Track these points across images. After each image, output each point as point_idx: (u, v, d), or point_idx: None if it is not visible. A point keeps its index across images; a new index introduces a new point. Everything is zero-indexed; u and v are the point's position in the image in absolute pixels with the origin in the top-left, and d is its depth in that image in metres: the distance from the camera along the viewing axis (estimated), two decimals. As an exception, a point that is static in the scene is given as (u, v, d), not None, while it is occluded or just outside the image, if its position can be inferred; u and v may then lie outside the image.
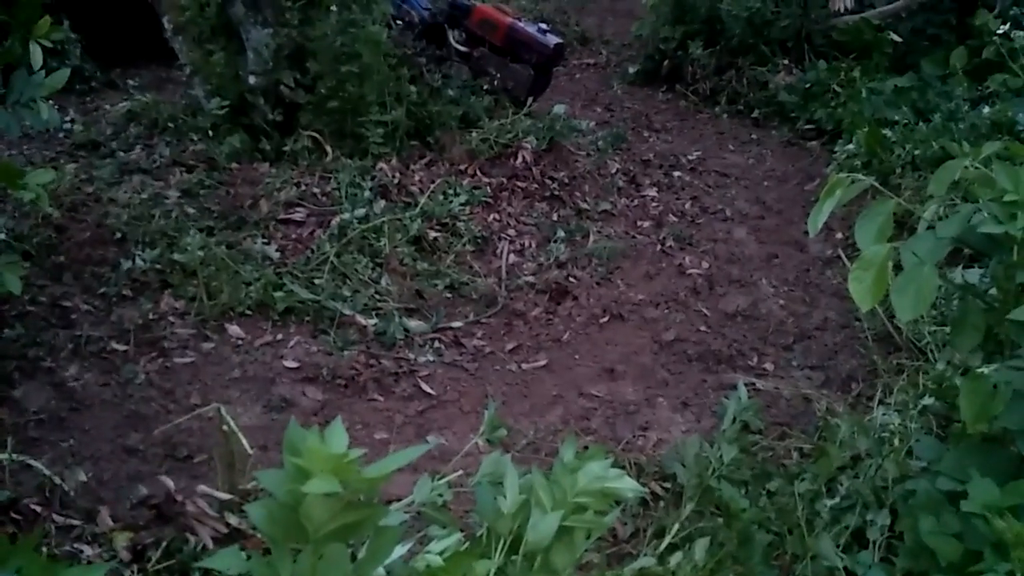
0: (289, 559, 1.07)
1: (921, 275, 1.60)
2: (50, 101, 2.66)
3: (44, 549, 2.10)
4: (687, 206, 4.65)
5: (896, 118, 4.89)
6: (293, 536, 1.04)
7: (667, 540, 2.18)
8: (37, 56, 2.49)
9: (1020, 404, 1.54)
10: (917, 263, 1.61)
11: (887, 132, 4.70)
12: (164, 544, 2.18)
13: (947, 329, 3.12)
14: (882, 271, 1.62)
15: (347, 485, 1.02)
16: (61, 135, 4.48)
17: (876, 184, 1.72)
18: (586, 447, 1.50)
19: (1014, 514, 1.42)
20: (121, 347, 3.14)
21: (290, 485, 1.01)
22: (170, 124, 4.42)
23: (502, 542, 1.43)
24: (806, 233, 4.36)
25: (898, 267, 1.71)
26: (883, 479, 2.31)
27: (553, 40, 4.84)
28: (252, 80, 4.26)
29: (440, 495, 1.85)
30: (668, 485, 2.52)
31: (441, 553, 1.37)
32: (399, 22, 4.85)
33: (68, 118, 4.57)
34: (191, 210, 3.80)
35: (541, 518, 1.39)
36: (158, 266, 3.47)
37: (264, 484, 1.04)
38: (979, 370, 1.62)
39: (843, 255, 3.96)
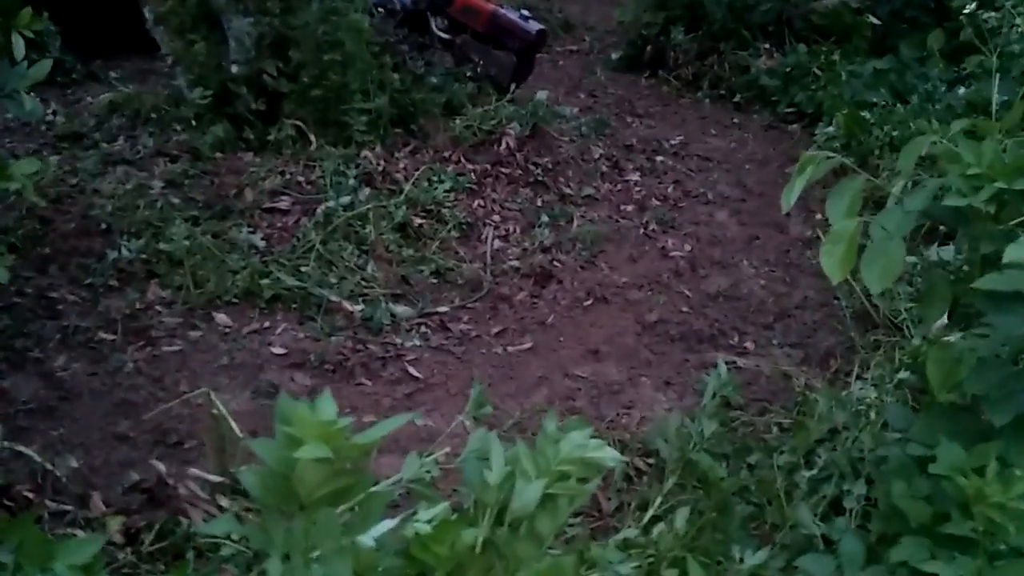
0: (281, 524, 1.11)
1: (889, 248, 1.65)
2: (31, 93, 2.68)
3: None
4: (670, 190, 4.70)
5: (875, 100, 4.97)
6: (285, 501, 1.08)
7: (650, 512, 2.24)
8: (20, 47, 2.50)
9: (983, 370, 1.60)
10: (885, 236, 1.66)
11: (866, 114, 4.77)
12: (157, 527, 2.21)
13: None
14: (851, 245, 1.67)
15: (337, 452, 1.06)
16: (43, 127, 4.47)
17: (847, 161, 1.78)
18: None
19: (979, 475, 1.48)
20: (109, 337, 3.17)
21: (282, 452, 1.06)
22: (153, 115, 4.42)
23: (488, 512, 1.48)
24: (787, 215, 4.46)
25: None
26: (859, 450, 2.37)
27: (535, 27, 4.87)
28: (234, 69, 4.26)
29: (428, 472, 1.90)
30: (651, 461, 2.58)
31: (429, 521, 1.41)
32: (380, 10, 4.86)
33: (50, 110, 4.56)
34: (176, 200, 3.81)
35: (525, 486, 1.44)
36: (144, 256, 3.49)
37: (256, 452, 1.08)
38: (945, 339, 1.68)
39: (823, 236, 4.01)
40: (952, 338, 1.69)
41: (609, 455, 1.52)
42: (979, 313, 1.75)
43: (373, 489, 1.17)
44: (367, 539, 1.32)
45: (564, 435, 1.47)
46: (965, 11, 2.07)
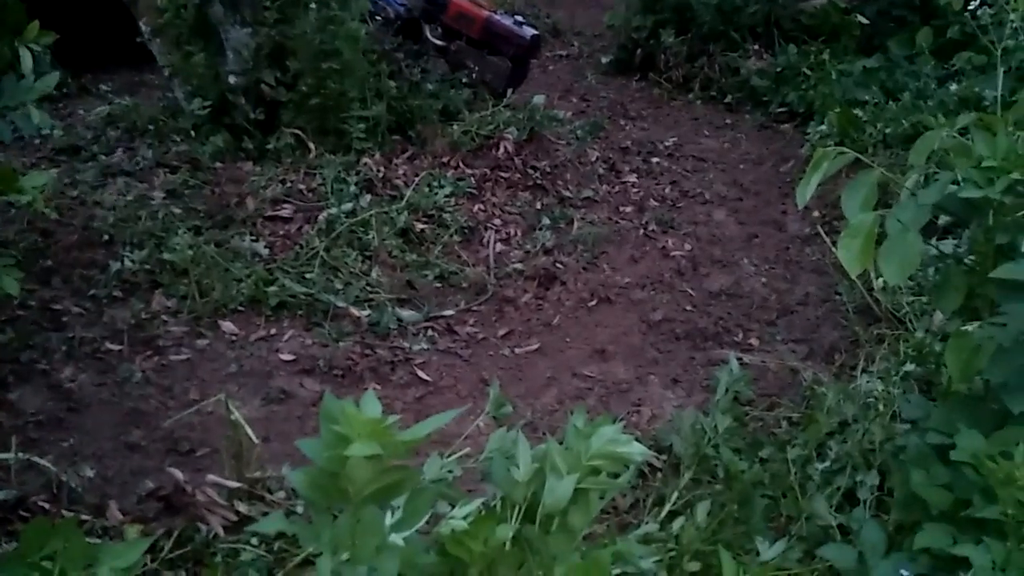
0: (329, 521, 1.13)
1: (906, 240, 1.68)
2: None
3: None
4: (667, 191, 4.73)
5: (866, 98, 5.02)
6: (334, 499, 1.10)
7: (667, 508, 2.26)
8: (27, 61, 2.50)
9: (1002, 359, 1.63)
10: (902, 229, 1.69)
11: (858, 112, 4.82)
12: (175, 534, 2.21)
13: (924, 299, 3.23)
14: (869, 238, 1.70)
15: (385, 448, 1.07)
16: (37, 141, 4.45)
17: (862, 157, 1.81)
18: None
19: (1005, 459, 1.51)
20: (115, 347, 3.16)
21: (331, 451, 1.07)
22: (150, 126, 4.42)
23: (517, 509, 1.49)
24: (784, 213, 4.51)
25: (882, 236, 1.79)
26: (870, 442, 2.41)
27: (530, 32, 4.90)
28: (232, 80, 4.27)
29: (450, 471, 1.91)
30: (664, 457, 2.60)
31: (465, 518, 1.42)
32: (376, 18, 4.88)
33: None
34: (177, 210, 3.81)
35: (557, 482, 1.45)
36: (147, 266, 3.48)
37: (305, 452, 1.09)
38: (963, 328, 1.71)
39: (821, 232, 4.07)
40: (969, 328, 1.72)
41: (637, 450, 1.54)
42: (992, 303, 1.79)
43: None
44: (397, 537, 1.33)
45: (595, 430, 1.49)
46: (969, 9, 2.11)
